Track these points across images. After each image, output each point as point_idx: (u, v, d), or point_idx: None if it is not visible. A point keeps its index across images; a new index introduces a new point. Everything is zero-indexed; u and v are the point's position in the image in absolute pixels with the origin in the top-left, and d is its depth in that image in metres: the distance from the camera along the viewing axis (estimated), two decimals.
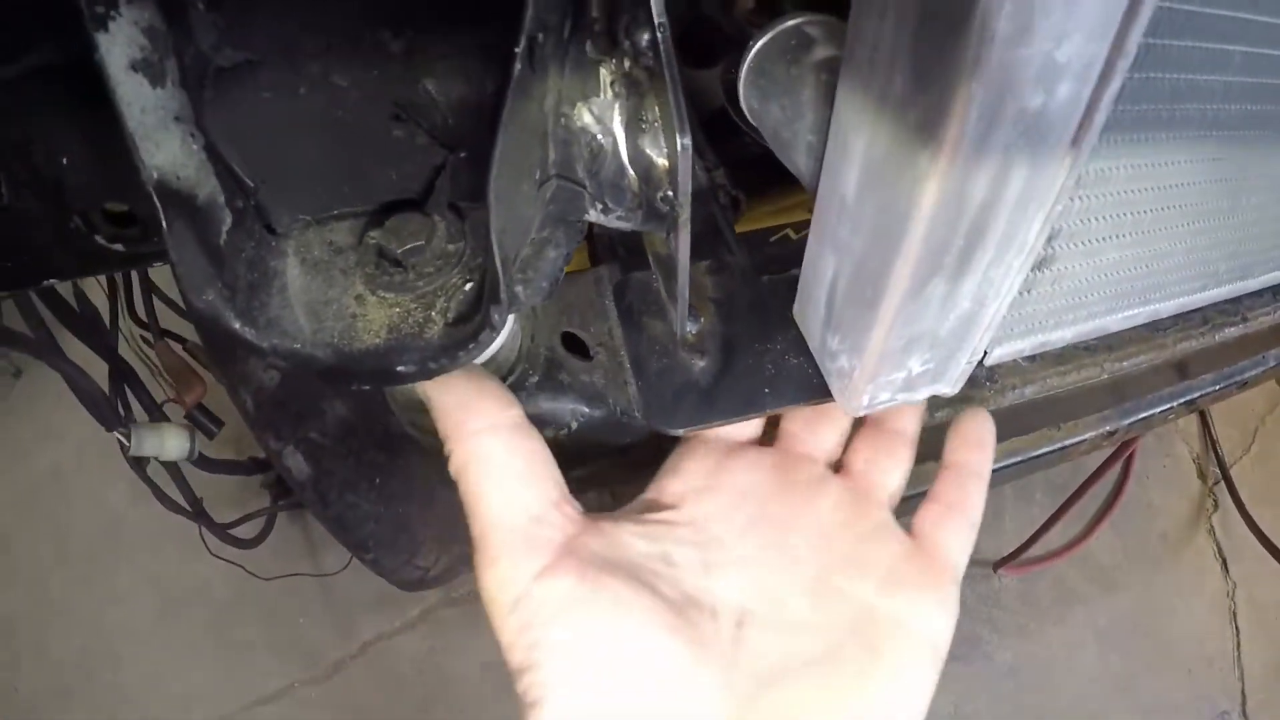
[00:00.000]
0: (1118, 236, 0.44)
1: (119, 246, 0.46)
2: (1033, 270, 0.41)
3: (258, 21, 0.38)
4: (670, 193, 0.36)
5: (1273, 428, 2.07)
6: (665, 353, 0.47)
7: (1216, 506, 1.98)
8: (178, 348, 1.16)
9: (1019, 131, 0.28)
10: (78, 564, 1.85)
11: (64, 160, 0.42)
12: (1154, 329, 0.82)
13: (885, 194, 0.33)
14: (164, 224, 0.34)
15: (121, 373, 1.12)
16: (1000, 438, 0.83)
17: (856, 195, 0.35)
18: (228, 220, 0.39)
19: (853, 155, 0.34)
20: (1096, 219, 0.42)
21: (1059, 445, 0.87)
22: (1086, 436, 0.90)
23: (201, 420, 1.27)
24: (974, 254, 0.34)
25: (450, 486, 0.42)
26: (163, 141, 0.35)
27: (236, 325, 0.40)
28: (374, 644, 1.72)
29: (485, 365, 0.44)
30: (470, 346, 0.36)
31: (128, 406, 1.14)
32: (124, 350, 1.15)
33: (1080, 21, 0.25)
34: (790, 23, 0.43)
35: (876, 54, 0.30)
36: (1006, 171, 0.30)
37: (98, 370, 1.09)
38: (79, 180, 0.43)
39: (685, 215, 0.36)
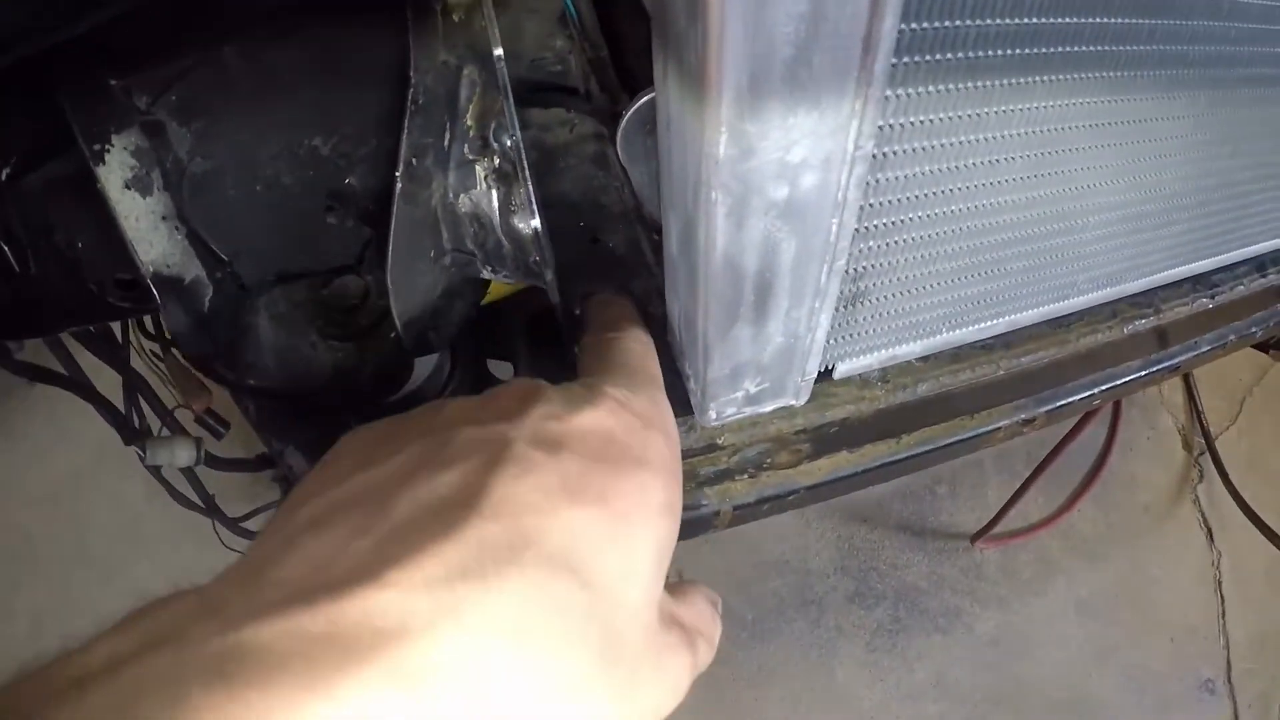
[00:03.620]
0: (932, 271, 0.56)
1: (127, 304, 0.60)
2: (847, 306, 0.53)
3: (221, 135, 0.51)
4: (537, 258, 0.49)
5: (1259, 398, 2.16)
6: (563, 376, 0.60)
7: (1202, 477, 2.07)
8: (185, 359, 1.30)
9: (777, 214, 0.40)
10: (99, 560, 2.01)
11: (79, 244, 0.56)
12: (1057, 325, 0.92)
13: (691, 254, 0.45)
14: (160, 304, 0.48)
15: (135, 384, 1.27)
16: (911, 428, 0.95)
17: (678, 251, 0.48)
18: (210, 291, 0.53)
19: (671, 217, 0.47)
20: (902, 257, 0.53)
21: (972, 433, 0.97)
22: (1002, 425, 1.00)
23: (210, 423, 1.42)
24: (767, 304, 0.46)
25: None
26: (154, 240, 0.49)
27: (222, 369, 0.54)
28: None
29: (413, 395, 0.57)
30: (394, 383, 0.50)
31: (141, 414, 1.29)
32: (136, 363, 1.30)
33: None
34: (645, 98, 0.56)
35: (672, 122, 0.42)
36: (774, 238, 0.42)
37: (110, 380, 1.24)
38: (92, 257, 0.57)
39: (549, 276, 0.49)
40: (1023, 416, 1.02)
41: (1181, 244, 0.83)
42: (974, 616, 1.86)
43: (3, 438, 2.21)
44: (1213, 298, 1.07)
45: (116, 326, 1.32)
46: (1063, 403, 1.05)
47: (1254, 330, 1.30)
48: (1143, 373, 1.14)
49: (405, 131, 0.43)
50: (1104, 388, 1.10)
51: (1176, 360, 1.20)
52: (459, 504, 0.31)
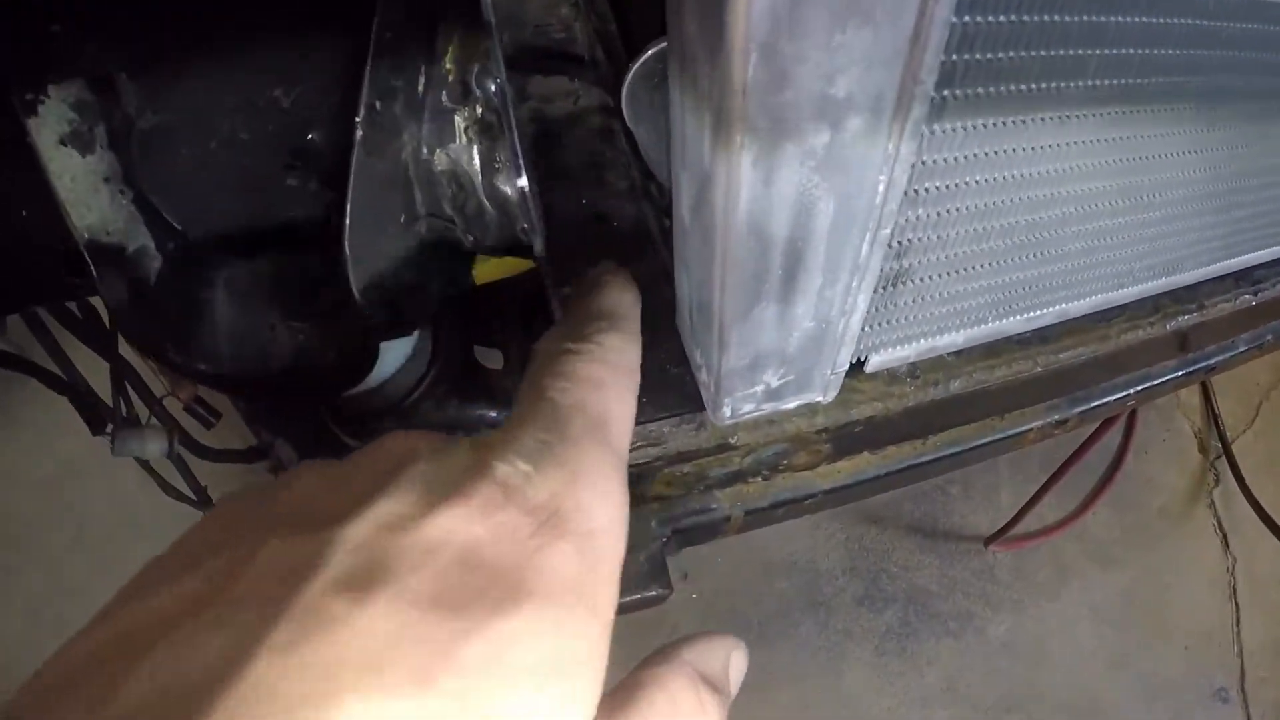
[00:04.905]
0: (986, 249, 0.48)
1: (77, 280, 0.52)
2: (887, 287, 0.45)
3: (174, 87, 0.43)
4: (525, 225, 0.41)
5: (1277, 401, 2.08)
6: None
7: (1218, 481, 1.99)
8: None
9: (814, 164, 0.32)
10: (95, 548, 1.96)
11: (23, 211, 0.48)
12: (1098, 319, 0.84)
13: (706, 217, 0.37)
14: (95, 276, 0.40)
15: (122, 371, 1.19)
16: (939, 428, 0.87)
17: (690, 217, 0.39)
18: (158, 263, 0.45)
19: (683, 177, 0.38)
20: (955, 230, 0.45)
21: (1002, 435, 0.90)
22: (1034, 425, 0.93)
23: (200, 411, 1.34)
24: (797, 279, 0.38)
25: None
26: (93, 203, 0.41)
27: (170, 352, 0.46)
28: None
29: (387, 383, 0.49)
30: (358, 371, 0.42)
31: (130, 403, 1.21)
32: (126, 352, 1.22)
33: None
34: (654, 49, 0.48)
35: (686, 57, 0.33)
36: (810, 196, 0.34)
37: (96, 368, 1.17)
38: (38, 228, 0.49)
39: (539, 247, 0.41)
40: (1056, 417, 0.94)
41: (1240, 231, 0.75)
42: (986, 620, 1.78)
43: (1, 425, 2.13)
44: (1256, 294, 0.99)
45: (105, 311, 1.24)
46: (1097, 403, 0.97)
47: None
48: (1179, 373, 1.07)
49: (368, 68, 0.35)
50: (1139, 388, 1.03)
51: (1214, 360, 1.13)
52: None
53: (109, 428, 0.99)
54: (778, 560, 1.80)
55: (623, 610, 0.74)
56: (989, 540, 1.79)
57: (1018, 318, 0.58)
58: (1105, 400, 0.96)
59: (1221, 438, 1.98)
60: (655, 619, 1.71)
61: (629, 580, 0.70)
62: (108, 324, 1.24)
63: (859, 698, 1.69)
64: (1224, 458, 1.96)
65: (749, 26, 0.26)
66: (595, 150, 0.76)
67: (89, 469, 2.05)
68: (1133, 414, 2.00)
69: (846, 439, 0.71)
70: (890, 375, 0.69)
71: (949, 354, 0.75)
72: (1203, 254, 0.72)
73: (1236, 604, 1.89)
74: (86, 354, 1.19)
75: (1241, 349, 1.14)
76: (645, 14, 0.76)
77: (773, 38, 0.27)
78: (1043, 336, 0.80)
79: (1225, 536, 1.95)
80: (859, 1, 0.27)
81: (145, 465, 1.25)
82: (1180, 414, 2.07)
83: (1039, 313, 0.59)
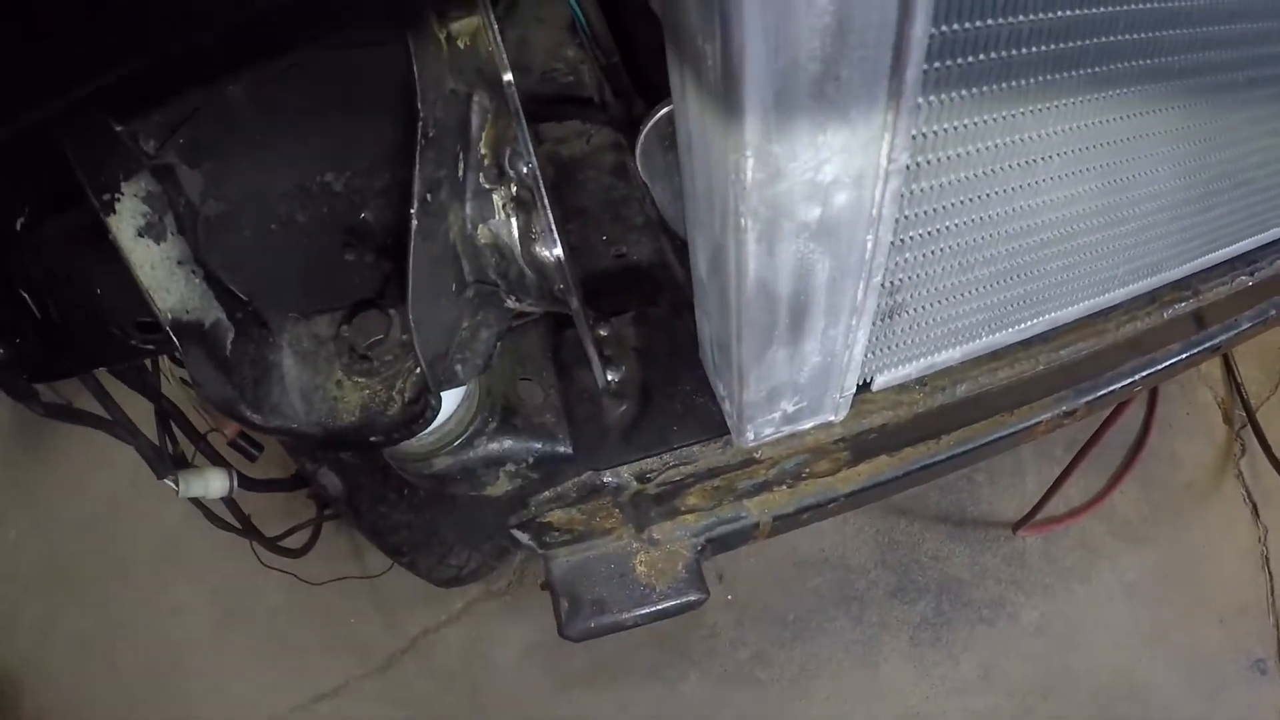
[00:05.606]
0: (971, 278, 0.54)
1: (151, 345, 0.59)
2: (884, 319, 0.51)
3: (232, 175, 0.50)
4: (562, 285, 0.47)
5: None
6: (592, 399, 0.58)
7: (1244, 451, 2.01)
8: None
9: (809, 235, 0.38)
10: (139, 583, 2.03)
11: (98, 290, 0.55)
12: (1096, 315, 0.89)
13: (721, 279, 0.43)
14: (182, 352, 0.46)
15: (166, 410, 1.27)
16: (951, 428, 0.92)
17: (707, 275, 0.46)
18: (231, 333, 0.52)
19: (698, 239, 0.45)
20: (940, 266, 0.51)
21: (1013, 429, 0.95)
22: (1043, 418, 0.98)
23: (244, 445, 1.42)
24: (804, 325, 0.45)
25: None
26: (171, 286, 0.48)
27: (247, 413, 0.53)
28: (422, 638, 1.88)
29: (445, 424, 0.56)
30: (422, 421, 0.48)
31: (175, 440, 1.29)
32: (167, 390, 1.30)
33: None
34: (665, 109, 0.54)
35: (695, 151, 0.40)
36: (808, 260, 0.40)
37: (140, 407, 1.24)
38: (111, 303, 0.56)
39: (575, 304, 0.47)
40: (1064, 409, 0.99)
41: (1221, 227, 0.80)
42: (1018, 606, 1.82)
43: (40, 465, 2.24)
44: (1253, 274, 1.03)
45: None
46: (1104, 392, 1.02)
47: None
48: (1183, 355, 1.11)
49: (417, 166, 0.42)
50: (1145, 374, 1.07)
51: (1218, 340, 1.17)
52: None
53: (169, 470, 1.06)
54: (809, 558, 1.85)
55: (665, 615, 0.80)
56: (1017, 526, 1.83)
57: (1010, 330, 0.63)
58: (1112, 389, 1.01)
59: (1246, 407, 2.00)
60: (695, 621, 1.77)
61: (669, 587, 0.77)
62: (150, 368, 1.32)
63: (896, 689, 1.73)
64: (1249, 427, 1.98)
65: (745, 134, 0.32)
66: (611, 186, 0.83)
67: (127, 505, 2.13)
68: (1154, 390, 2.02)
69: (863, 445, 0.76)
70: (900, 385, 0.75)
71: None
72: (1186, 253, 0.78)
73: (1270, 574, 1.90)
74: (124, 394, 1.25)
75: (1245, 326, 1.18)
76: (652, 46, 0.82)
77: (766, 142, 0.33)
78: (1044, 336, 0.85)
79: (1255, 507, 1.97)
80: (836, 107, 0.33)
81: (195, 500, 1.33)
82: (1203, 385, 2.09)
83: (1030, 324, 0.65)
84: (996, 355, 0.82)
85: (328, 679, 1.86)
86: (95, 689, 1.96)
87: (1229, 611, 1.86)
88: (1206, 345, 1.13)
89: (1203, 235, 0.75)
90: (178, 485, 1.00)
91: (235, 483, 1.07)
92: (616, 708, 1.74)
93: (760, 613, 1.80)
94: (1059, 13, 0.41)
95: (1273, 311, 1.21)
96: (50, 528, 2.15)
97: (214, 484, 1.04)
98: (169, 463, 1.08)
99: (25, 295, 0.61)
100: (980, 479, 1.94)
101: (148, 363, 1.32)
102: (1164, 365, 1.07)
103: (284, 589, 1.85)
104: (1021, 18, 0.39)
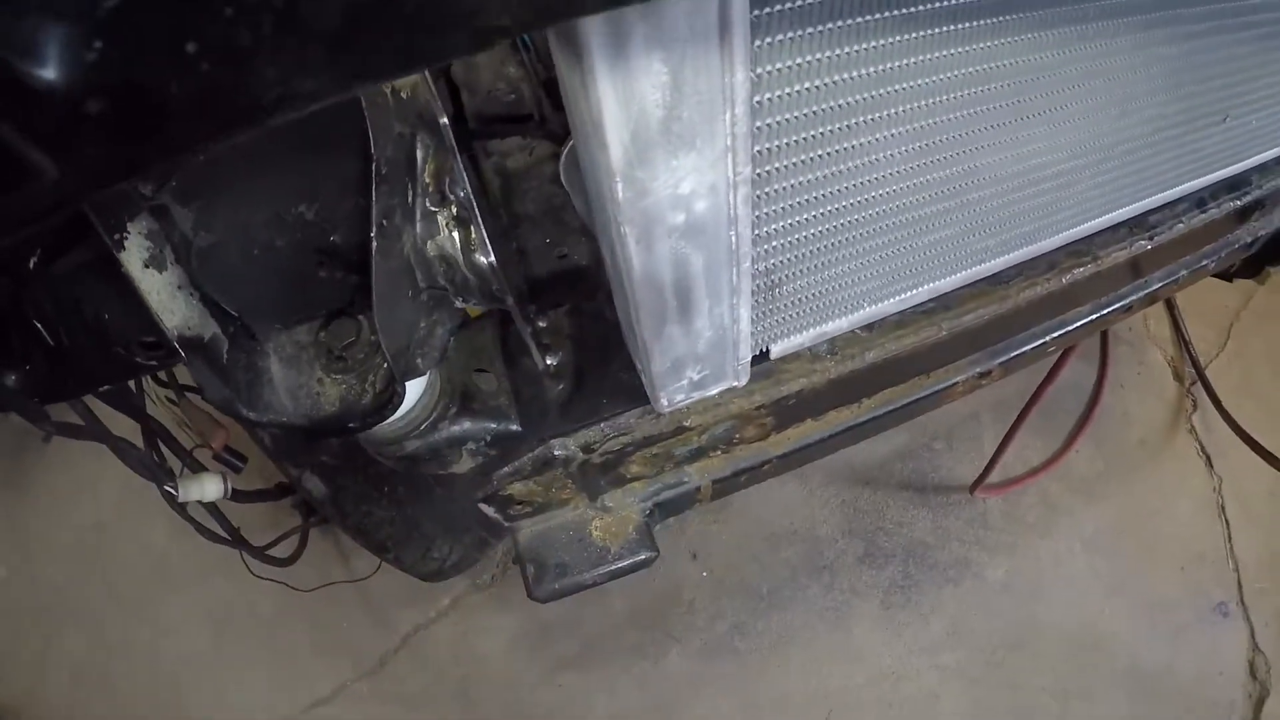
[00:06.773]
0: (840, 258, 0.66)
1: (153, 361, 0.71)
2: (764, 295, 0.63)
3: (217, 211, 0.62)
4: (498, 286, 0.60)
5: (1247, 323, 2.24)
6: (535, 381, 0.71)
7: (1195, 406, 2.15)
8: (198, 401, 1.42)
9: (679, 235, 0.51)
10: (131, 604, 2.12)
11: (106, 315, 0.67)
12: (995, 282, 1.01)
13: (617, 272, 0.55)
14: (187, 363, 0.59)
15: (153, 430, 1.38)
16: (870, 391, 1.05)
17: (610, 269, 0.58)
18: (226, 344, 0.64)
19: (601, 240, 0.57)
20: (808, 250, 0.63)
21: (931, 390, 1.08)
22: (958, 380, 1.11)
23: (229, 459, 1.54)
24: (690, 306, 0.57)
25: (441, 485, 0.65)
26: (175, 308, 0.60)
27: (243, 411, 0.65)
28: (412, 636, 1.99)
29: (411, 410, 0.68)
30: (390, 406, 0.61)
31: (163, 457, 1.41)
32: (152, 409, 1.41)
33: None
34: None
35: (587, 178, 0.53)
36: (682, 254, 0.53)
37: (126, 428, 1.35)
38: (118, 326, 0.68)
39: (510, 300, 0.60)
40: (978, 370, 1.12)
41: (1107, 194, 0.90)
42: (983, 565, 1.95)
43: (22, 494, 2.32)
44: (1151, 239, 1.15)
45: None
46: (1016, 353, 1.15)
47: (1205, 263, 1.39)
48: (1093, 316, 1.24)
49: (374, 197, 0.54)
50: (1056, 334, 1.20)
51: (1128, 300, 1.30)
52: None
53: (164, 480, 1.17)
54: (779, 531, 1.98)
55: (621, 574, 0.93)
56: (973, 487, 1.96)
57: (891, 300, 0.76)
58: (1024, 349, 1.14)
59: (1195, 364, 2.14)
60: (673, 596, 1.90)
61: (623, 548, 0.89)
62: (135, 389, 1.43)
63: (869, 650, 1.87)
64: (1199, 383, 2.12)
65: (612, 163, 0.45)
66: (552, 194, 0.95)
67: (114, 530, 2.22)
68: (1105, 350, 2.16)
69: (785, 411, 0.89)
70: (812, 354, 0.88)
71: (861, 330, 0.93)
72: (1063, 221, 0.90)
73: (1227, 521, 2.03)
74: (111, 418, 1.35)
75: (1156, 286, 1.31)
76: None
77: (631, 169, 0.45)
78: (945, 304, 0.97)
79: (1209, 459, 2.10)
80: (683, 139, 0.45)
81: (183, 513, 1.44)
82: (1153, 345, 2.23)
83: (910, 294, 0.77)
84: (902, 323, 0.94)
85: (324, 684, 1.97)
86: (95, 713, 2.05)
87: (1188, 559, 1.99)
88: (1117, 305, 1.26)
89: (1083, 203, 0.86)
90: (177, 491, 1.11)
91: (229, 485, 1.19)
92: (605, 688, 1.86)
93: (735, 586, 1.92)
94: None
95: (1183, 272, 1.34)
96: (40, 560, 2.23)
97: (209, 487, 1.16)
98: (167, 472, 1.20)
99: (39, 325, 0.73)
100: (939, 446, 2.07)
101: (132, 385, 1.44)
102: (1075, 326, 1.20)
103: (275, 599, 1.94)
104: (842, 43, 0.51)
